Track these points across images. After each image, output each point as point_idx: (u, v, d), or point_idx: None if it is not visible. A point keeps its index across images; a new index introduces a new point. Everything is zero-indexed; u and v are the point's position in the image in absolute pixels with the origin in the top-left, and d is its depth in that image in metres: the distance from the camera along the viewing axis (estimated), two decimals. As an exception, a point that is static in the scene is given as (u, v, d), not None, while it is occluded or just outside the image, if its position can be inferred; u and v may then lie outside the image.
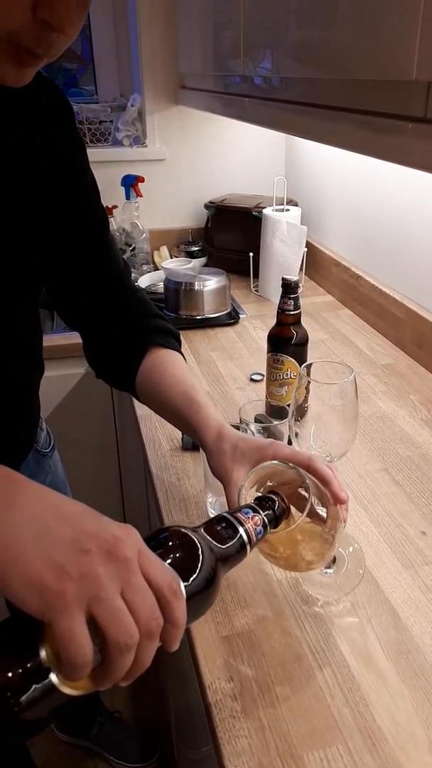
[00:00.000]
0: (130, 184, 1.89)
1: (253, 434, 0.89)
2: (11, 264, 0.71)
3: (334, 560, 0.71)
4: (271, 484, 0.62)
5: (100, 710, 1.49)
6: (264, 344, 1.07)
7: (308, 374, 0.85)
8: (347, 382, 0.79)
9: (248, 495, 0.61)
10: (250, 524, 0.52)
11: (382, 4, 0.65)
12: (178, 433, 1.06)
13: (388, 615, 0.72)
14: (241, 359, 1.36)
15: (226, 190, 2.01)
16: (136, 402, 1.16)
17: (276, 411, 1.05)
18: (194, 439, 0.76)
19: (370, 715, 0.61)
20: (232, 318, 1.56)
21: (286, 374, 1.06)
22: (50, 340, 1.48)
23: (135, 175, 1.89)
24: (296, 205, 1.80)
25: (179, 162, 1.98)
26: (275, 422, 1.01)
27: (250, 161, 2.02)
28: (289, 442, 0.86)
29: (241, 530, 0.51)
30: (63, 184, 0.76)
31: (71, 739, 1.51)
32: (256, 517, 0.52)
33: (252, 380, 1.27)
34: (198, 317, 1.55)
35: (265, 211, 1.68)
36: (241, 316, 1.58)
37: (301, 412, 0.83)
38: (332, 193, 1.73)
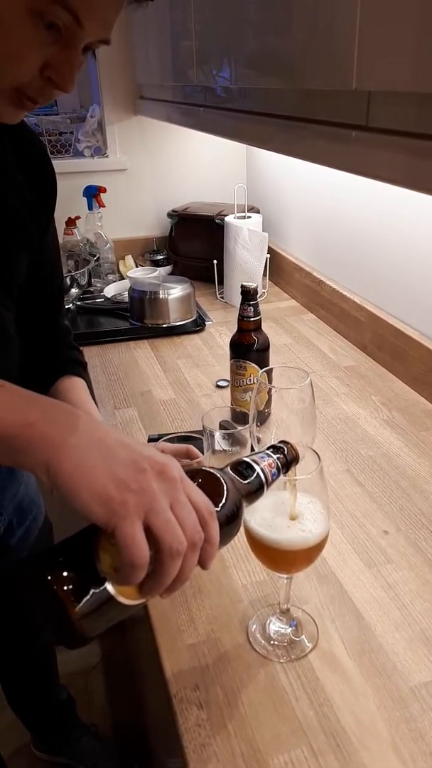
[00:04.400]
0: (92, 194, 1.88)
1: (214, 441, 0.90)
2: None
3: (298, 626, 0.71)
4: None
5: (77, 725, 1.47)
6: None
7: (268, 380, 0.86)
8: (304, 385, 0.80)
9: None
10: (266, 464, 0.59)
11: (325, 17, 0.66)
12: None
13: (351, 615, 0.72)
14: (207, 366, 1.37)
15: (188, 198, 2.02)
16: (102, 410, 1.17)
17: (240, 417, 1.06)
18: None
19: (335, 715, 0.62)
20: (197, 325, 1.57)
21: (249, 380, 1.06)
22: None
23: (97, 186, 1.88)
24: (258, 212, 1.82)
25: (141, 171, 1.99)
26: (239, 428, 1.02)
27: (211, 169, 2.03)
28: (252, 449, 0.87)
29: (258, 469, 0.58)
30: (38, 218, 0.82)
31: (49, 756, 1.49)
32: (270, 460, 0.60)
33: (218, 387, 1.28)
34: (164, 325, 1.56)
35: (227, 218, 1.69)
36: (206, 323, 1.59)
37: (262, 417, 0.84)
38: (293, 200, 1.75)
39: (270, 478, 0.59)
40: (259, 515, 0.63)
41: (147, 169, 1.99)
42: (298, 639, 0.70)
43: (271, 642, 0.70)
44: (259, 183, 1.95)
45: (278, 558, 0.64)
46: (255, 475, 0.58)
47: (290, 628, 0.71)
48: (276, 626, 0.71)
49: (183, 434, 0.93)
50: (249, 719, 0.62)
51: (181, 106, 1.36)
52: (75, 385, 0.90)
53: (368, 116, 0.63)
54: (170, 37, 1.33)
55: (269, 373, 0.88)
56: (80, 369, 0.94)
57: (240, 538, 0.82)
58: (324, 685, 0.65)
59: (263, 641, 0.70)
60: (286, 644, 0.69)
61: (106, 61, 1.83)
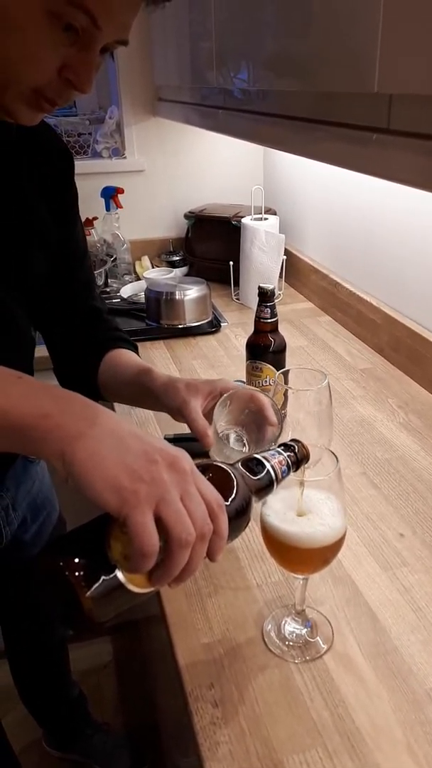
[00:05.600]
0: (110, 195, 1.90)
1: (228, 442, 0.90)
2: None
3: (313, 627, 0.71)
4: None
5: (88, 723, 1.48)
6: (245, 352, 1.09)
7: (285, 381, 0.86)
8: (321, 387, 0.80)
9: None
10: (276, 462, 0.60)
11: (346, 19, 0.67)
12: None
13: (367, 617, 0.72)
14: (222, 367, 1.37)
15: (205, 199, 2.03)
16: (118, 408, 1.17)
17: (256, 418, 1.06)
18: (147, 398, 0.82)
19: (349, 717, 0.62)
20: (213, 326, 1.57)
21: (265, 381, 1.07)
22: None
23: (114, 187, 1.90)
24: (275, 213, 1.82)
25: (158, 173, 2.00)
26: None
27: (228, 171, 2.03)
28: (266, 449, 0.87)
29: (269, 466, 0.59)
30: (57, 212, 0.83)
31: (60, 753, 1.50)
32: (281, 457, 0.60)
33: (233, 388, 1.28)
34: (179, 326, 1.56)
35: (243, 220, 1.69)
36: (222, 324, 1.59)
37: (278, 418, 0.84)
38: (310, 202, 1.75)
39: (280, 475, 0.60)
40: (281, 511, 0.64)
41: (164, 170, 2.00)
42: (313, 640, 0.70)
43: (286, 642, 0.70)
44: (276, 185, 1.95)
45: (296, 555, 0.64)
46: (265, 471, 0.59)
47: (305, 629, 0.71)
48: (291, 627, 0.71)
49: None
50: (264, 719, 0.62)
51: (199, 108, 1.36)
52: (120, 353, 0.91)
53: (389, 119, 0.63)
54: (189, 38, 1.34)
55: (286, 374, 0.88)
56: (124, 343, 0.94)
57: (255, 539, 0.83)
58: (339, 686, 0.65)
59: (278, 641, 0.70)
60: (301, 645, 0.69)
61: (124, 62, 1.84)
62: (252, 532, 0.82)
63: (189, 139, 1.97)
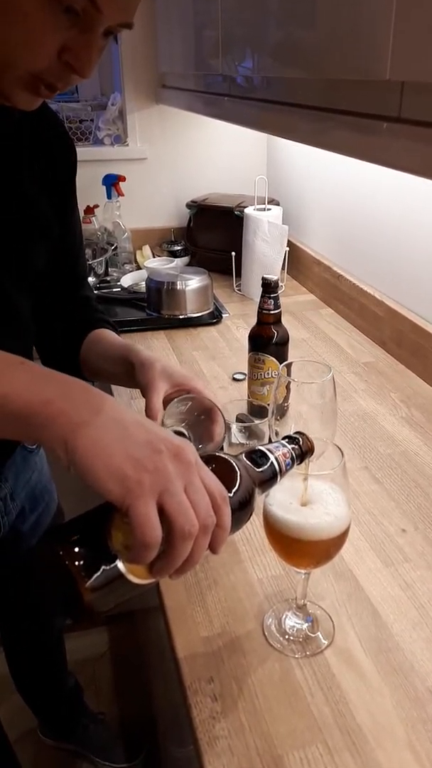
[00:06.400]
0: (112, 183, 1.88)
1: (231, 434, 0.89)
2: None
3: (314, 622, 0.71)
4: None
5: (84, 713, 1.48)
6: (246, 343, 1.08)
7: (288, 374, 0.86)
8: (326, 381, 0.79)
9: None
10: (280, 454, 0.59)
11: (358, 6, 0.65)
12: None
13: (368, 613, 0.72)
14: (223, 359, 1.36)
15: (207, 189, 2.01)
16: (119, 398, 1.16)
17: (257, 410, 1.05)
18: (124, 372, 0.80)
19: (350, 713, 0.61)
20: (214, 317, 1.56)
21: (267, 373, 1.06)
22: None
23: (116, 175, 1.88)
24: (278, 204, 1.80)
25: (161, 161, 1.98)
26: (256, 421, 1.01)
27: (231, 160, 2.01)
28: (270, 441, 0.86)
29: (272, 458, 0.58)
30: (58, 205, 0.82)
31: (56, 742, 1.50)
32: (285, 450, 0.59)
33: (234, 379, 1.27)
34: (180, 317, 1.55)
35: (246, 210, 1.68)
36: (223, 315, 1.58)
37: (281, 411, 0.84)
38: (313, 193, 1.73)
39: (284, 468, 0.59)
40: (285, 501, 0.63)
41: (167, 158, 1.98)
42: (313, 635, 0.69)
43: (287, 637, 0.69)
44: (280, 175, 1.93)
45: (299, 547, 0.63)
46: (269, 463, 0.58)
47: (306, 624, 0.70)
48: (292, 621, 0.70)
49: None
50: (263, 714, 0.61)
51: (204, 96, 1.35)
52: (104, 332, 0.91)
53: (401, 107, 0.62)
54: (194, 25, 1.32)
55: (288, 367, 0.87)
56: (108, 326, 0.94)
57: (256, 532, 0.82)
58: (340, 683, 0.64)
59: (279, 636, 0.69)
60: (301, 640, 0.69)
61: (128, 48, 1.82)
62: (253, 525, 0.82)
63: (192, 127, 1.94)
